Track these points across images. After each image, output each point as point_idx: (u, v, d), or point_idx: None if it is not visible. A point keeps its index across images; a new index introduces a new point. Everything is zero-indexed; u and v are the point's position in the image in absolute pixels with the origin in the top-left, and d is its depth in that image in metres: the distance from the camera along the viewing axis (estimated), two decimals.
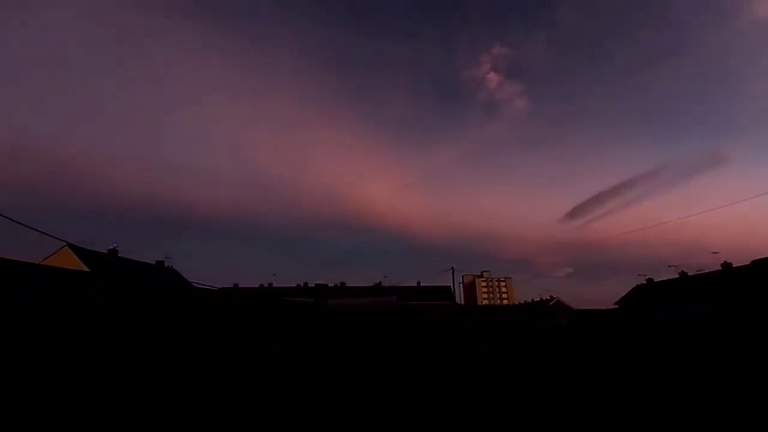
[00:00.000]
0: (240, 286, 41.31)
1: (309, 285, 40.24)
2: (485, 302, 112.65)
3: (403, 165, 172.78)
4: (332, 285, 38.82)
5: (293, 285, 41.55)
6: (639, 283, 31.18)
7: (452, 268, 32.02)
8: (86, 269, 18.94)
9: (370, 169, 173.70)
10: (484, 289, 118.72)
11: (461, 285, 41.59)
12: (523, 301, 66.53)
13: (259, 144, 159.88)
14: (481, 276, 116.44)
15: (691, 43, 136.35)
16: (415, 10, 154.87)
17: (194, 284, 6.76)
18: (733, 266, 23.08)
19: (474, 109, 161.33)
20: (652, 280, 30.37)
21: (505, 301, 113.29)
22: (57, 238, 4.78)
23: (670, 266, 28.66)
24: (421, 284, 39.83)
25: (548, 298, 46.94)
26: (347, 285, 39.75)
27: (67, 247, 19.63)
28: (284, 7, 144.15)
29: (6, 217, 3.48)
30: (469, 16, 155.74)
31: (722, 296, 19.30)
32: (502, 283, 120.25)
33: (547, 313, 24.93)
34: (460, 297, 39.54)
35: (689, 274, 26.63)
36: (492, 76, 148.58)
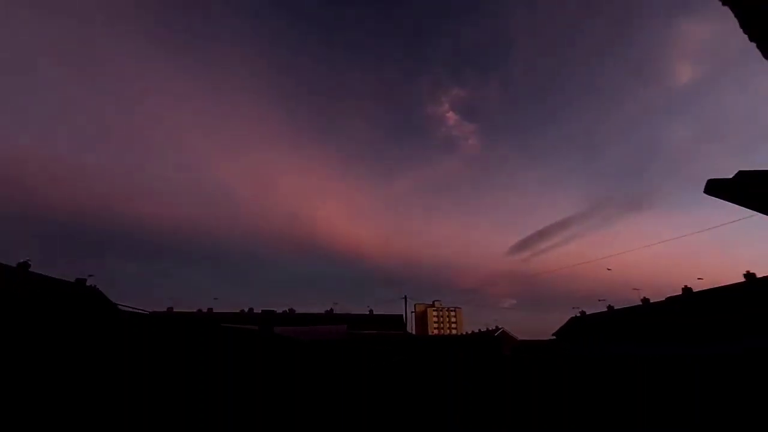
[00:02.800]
0: (175, 310, 37.71)
1: (255, 311, 37.81)
2: (435, 332, 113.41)
3: (360, 192, 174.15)
4: (280, 311, 36.85)
5: (237, 310, 38.77)
6: (573, 316, 33.70)
7: (405, 297, 32.16)
8: None
9: (326, 194, 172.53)
10: (435, 319, 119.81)
11: (413, 314, 41.80)
12: (471, 331, 68.08)
13: (206, 157, 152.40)
14: (433, 305, 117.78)
15: (623, 99, 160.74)
16: (380, 45, 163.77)
17: (120, 307, 6.06)
18: (651, 302, 25.93)
19: (433, 143, 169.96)
20: (585, 312, 32.99)
21: (454, 331, 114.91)
22: None
23: (600, 300, 31.49)
24: (374, 312, 39.29)
25: (494, 328, 48.67)
26: (296, 312, 37.98)
27: None
28: (248, 27, 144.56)
29: None
30: (431, 59, 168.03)
31: (642, 329, 21.46)
32: (452, 313, 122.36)
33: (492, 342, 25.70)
34: (411, 326, 39.49)
35: (615, 308, 29.43)
36: (450, 114, 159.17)
